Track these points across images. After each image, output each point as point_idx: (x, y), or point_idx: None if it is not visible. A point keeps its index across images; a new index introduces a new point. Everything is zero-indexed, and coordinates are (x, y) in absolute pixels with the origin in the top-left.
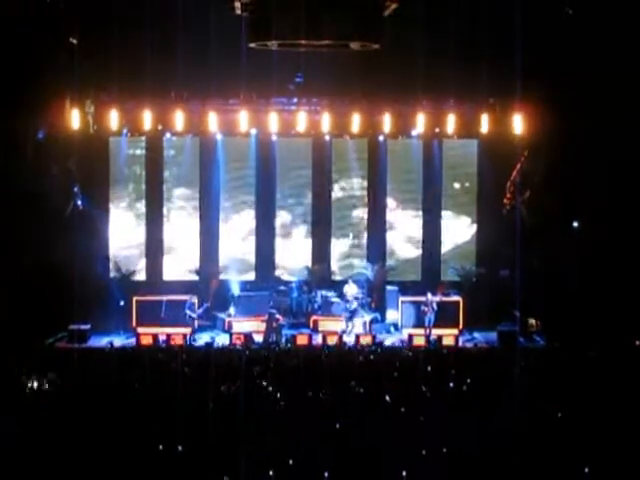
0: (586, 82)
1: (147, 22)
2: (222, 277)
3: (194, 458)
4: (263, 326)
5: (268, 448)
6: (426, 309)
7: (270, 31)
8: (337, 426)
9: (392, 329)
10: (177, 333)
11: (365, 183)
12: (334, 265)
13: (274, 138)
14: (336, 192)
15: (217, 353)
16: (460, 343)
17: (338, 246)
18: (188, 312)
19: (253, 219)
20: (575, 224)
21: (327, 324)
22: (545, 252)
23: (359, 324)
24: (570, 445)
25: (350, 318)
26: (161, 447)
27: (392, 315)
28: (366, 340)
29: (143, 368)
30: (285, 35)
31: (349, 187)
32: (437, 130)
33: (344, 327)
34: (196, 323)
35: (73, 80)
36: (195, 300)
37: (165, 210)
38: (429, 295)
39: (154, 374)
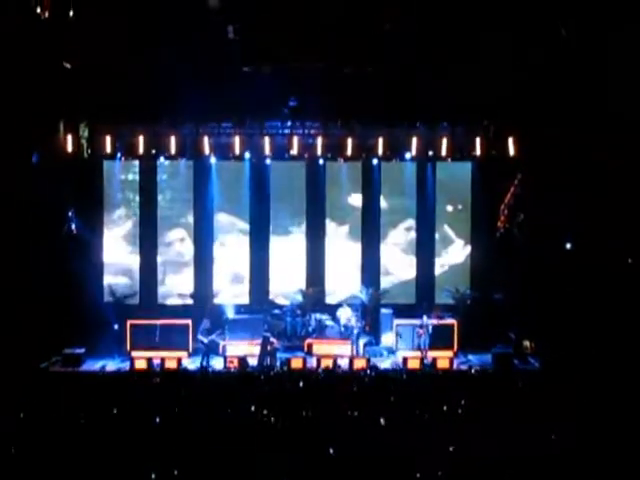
0: (581, 104)
1: (140, 46)
2: (216, 301)
3: None
4: (257, 349)
5: (262, 472)
6: (421, 331)
7: (263, 55)
8: (330, 450)
9: (386, 352)
10: (171, 357)
11: (359, 206)
12: (328, 288)
13: (268, 161)
14: (330, 215)
15: (211, 377)
16: (455, 366)
17: (332, 269)
18: (200, 337)
19: (247, 242)
20: (568, 246)
21: (321, 347)
22: (539, 274)
23: (355, 346)
24: (566, 469)
25: (356, 341)
26: (155, 474)
27: (387, 338)
28: (360, 363)
29: (137, 392)
30: (278, 59)
31: (343, 210)
32: (431, 153)
33: (352, 350)
34: (192, 347)
35: (67, 104)
36: (209, 326)
37: (159, 234)
38: (425, 318)
39: (148, 398)
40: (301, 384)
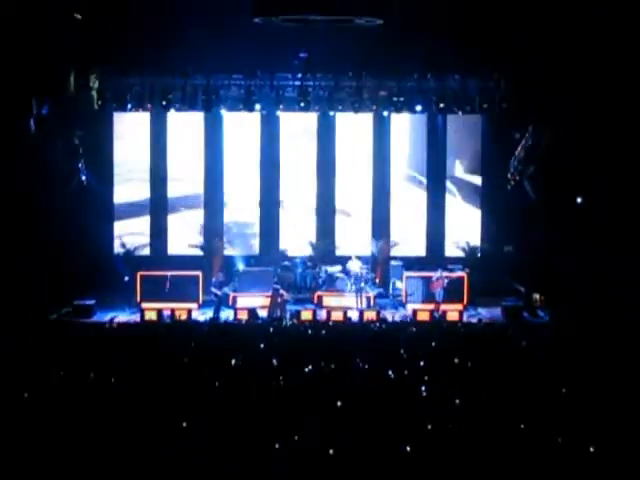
0: (592, 58)
1: None
2: (226, 252)
3: (197, 434)
4: (267, 301)
5: (272, 423)
6: (437, 283)
7: (275, 6)
8: (339, 403)
9: (396, 304)
10: (181, 308)
11: (370, 158)
12: (338, 240)
13: (278, 113)
14: (341, 167)
15: (221, 328)
16: (464, 318)
17: (342, 221)
18: (213, 289)
19: (258, 194)
20: (579, 200)
21: (331, 299)
22: (549, 227)
23: (365, 299)
24: (575, 422)
25: (358, 292)
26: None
27: (396, 290)
28: (370, 315)
29: (146, 343)
30: (290, 10)
31: (354, 162)
32: (441, 105)
33: (356, 303)
34: (202, 299)
35: (78, 55)
36: (222, 278)
37: (169, 185)
38: (439, 271)
39: (158, 349)
40: (310, 336)
